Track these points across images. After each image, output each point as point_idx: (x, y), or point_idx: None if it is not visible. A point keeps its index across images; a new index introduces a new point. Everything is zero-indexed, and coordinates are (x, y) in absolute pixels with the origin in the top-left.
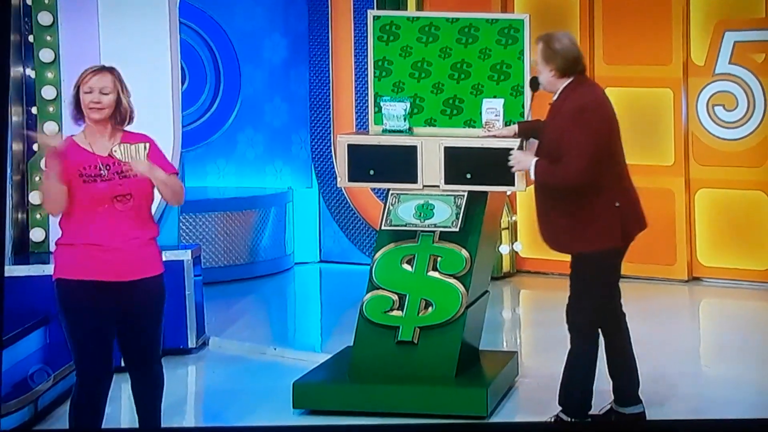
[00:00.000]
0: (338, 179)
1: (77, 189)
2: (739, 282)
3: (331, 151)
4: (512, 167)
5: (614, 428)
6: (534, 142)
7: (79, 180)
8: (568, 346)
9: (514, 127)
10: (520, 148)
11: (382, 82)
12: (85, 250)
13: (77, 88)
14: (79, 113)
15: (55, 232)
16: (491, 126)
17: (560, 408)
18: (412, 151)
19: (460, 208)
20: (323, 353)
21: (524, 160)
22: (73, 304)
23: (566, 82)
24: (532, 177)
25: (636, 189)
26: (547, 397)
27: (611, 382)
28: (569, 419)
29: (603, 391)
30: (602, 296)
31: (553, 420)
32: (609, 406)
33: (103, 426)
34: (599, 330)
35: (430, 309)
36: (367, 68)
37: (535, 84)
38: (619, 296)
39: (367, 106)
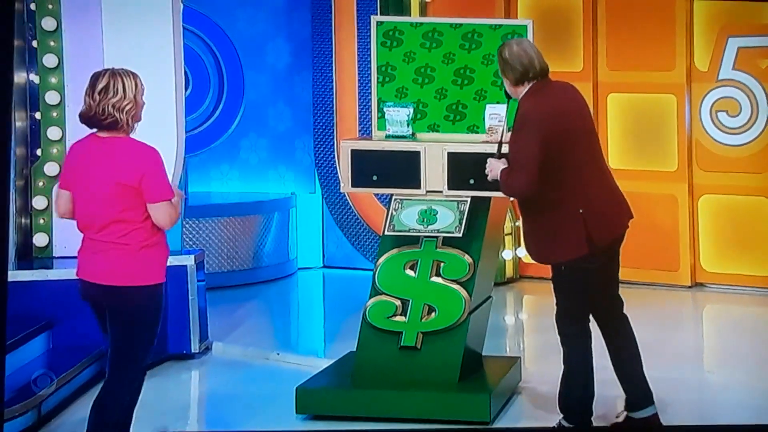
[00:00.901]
0: (341, 184)
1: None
2: (742, 288)
3: (334, 157)
4: (487, 175)
5: None
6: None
7: None
8: None
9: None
10: (498, 155)
11: (386, 87)
12: (167, 246)
13: (137, 96)
14: (136, 119)
15: (60, 237)
16: (494, 131)
17: (561, 415)
18: (415, 156)
19: (463, 214)
20: (326, 358)
21: (495, 168)
22: (163, 304)
23: (525, 90)
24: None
25: (610, 191)
26: (550, 403)
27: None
28: (571, 426)
29: (611, 398)
30: (583, 303)
31: (556, 426)
32: (625, 413)
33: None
34: (590, 335)
35: (433, 314)
36: (370, 74)
37: (507, 93)
38: (617, 300)
39: (371, 112)
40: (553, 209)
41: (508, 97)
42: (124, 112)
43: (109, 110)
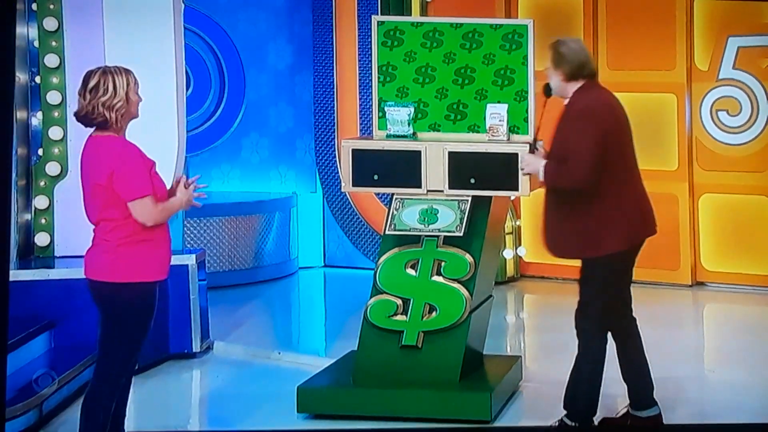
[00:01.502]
0: (342, 184)
1: (158, 187)
2: (743, 287)
3: (335, 156)
4: (522, 169)
5: None
6: (540, 147)
7: (154, 177)
8: (573, 351)
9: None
10: (531, 151)
11: (386, 87)
12: (163, 246)
13: (129, 93)
14: (127, 117)
15: (62, 236)
16: (495, 131)
17: (565, 412)
18: (416, 156)
19: (464, 213)
20: (327, 357)
21: (533, 163)
22: (151, 307)
23: (576, 86)
24: (541, 179)
25: (645, 195)
26: (551, 402)
27: (626, 386)
28: (573, 424)
29: (614, 396)
30: (611, 300)
31: (556, 424)
32: (625, 410)
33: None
34: (607, 335)
35: (434, 313)
36: (371, 73)
37: (548, 90)
38: (629, 301)
39: (371, 111)
40: (600, 204)
41: (548, 94)
42: (114, 111)
43: (99, 109)
